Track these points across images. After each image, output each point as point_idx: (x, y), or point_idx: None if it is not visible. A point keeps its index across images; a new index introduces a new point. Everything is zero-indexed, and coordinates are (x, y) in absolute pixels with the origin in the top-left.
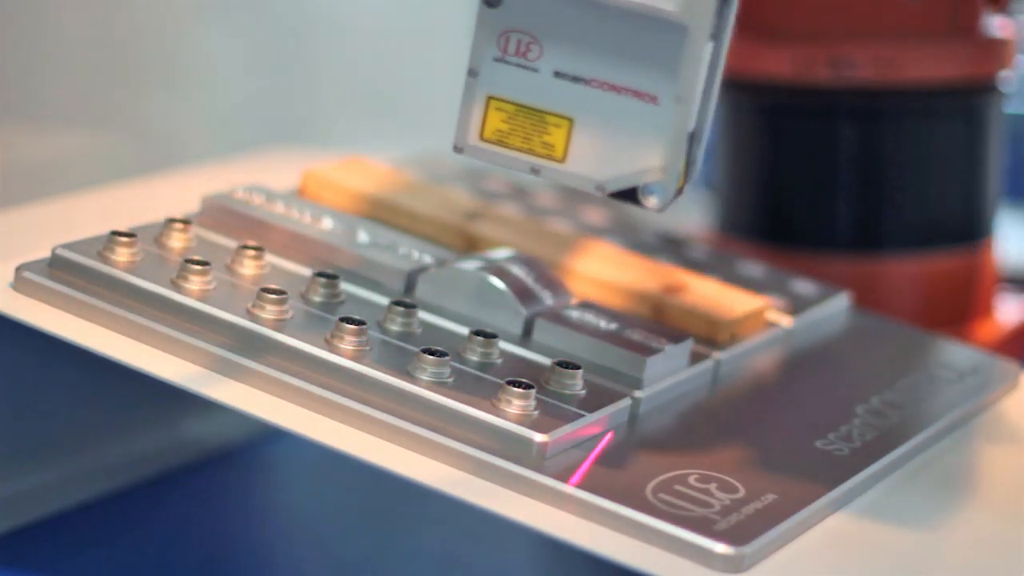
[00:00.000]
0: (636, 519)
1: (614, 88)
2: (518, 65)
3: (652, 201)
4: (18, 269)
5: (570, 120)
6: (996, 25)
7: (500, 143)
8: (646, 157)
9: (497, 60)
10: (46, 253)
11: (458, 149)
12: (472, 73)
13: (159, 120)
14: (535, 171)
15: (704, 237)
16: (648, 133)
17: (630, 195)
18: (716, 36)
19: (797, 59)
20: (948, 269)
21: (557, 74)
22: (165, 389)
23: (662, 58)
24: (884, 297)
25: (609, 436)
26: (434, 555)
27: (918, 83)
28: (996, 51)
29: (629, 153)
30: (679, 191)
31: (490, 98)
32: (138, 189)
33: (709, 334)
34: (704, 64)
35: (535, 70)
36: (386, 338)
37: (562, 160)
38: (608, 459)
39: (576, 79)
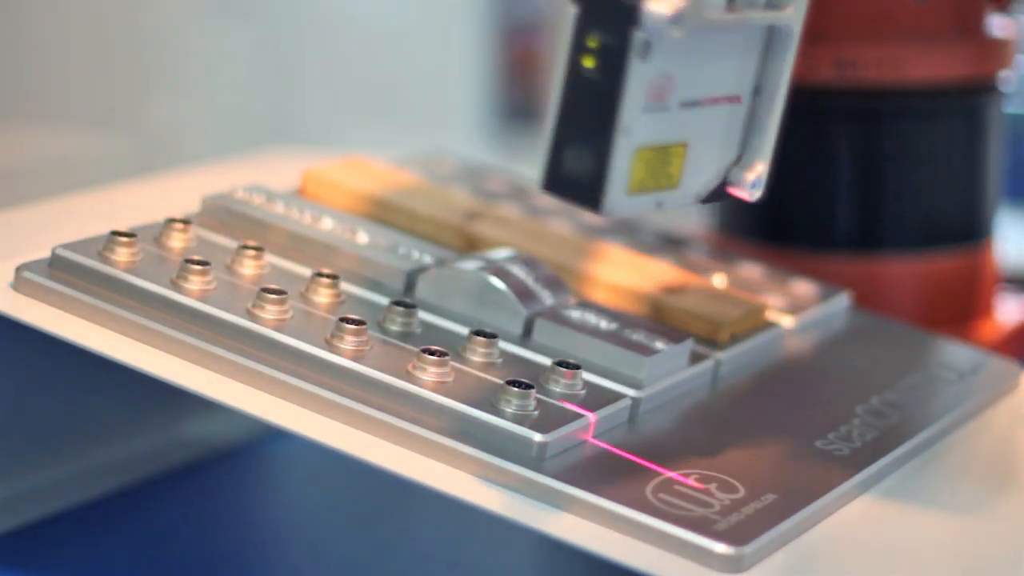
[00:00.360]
0: (636, 519)
1: (715, 100)
2: (657, 109)
3: (756, 193)
4: (18, 269)
5: (685, 144)
6: (997, 25)
7: (641, 191)
8: (729, 154)
9: (644, 111)
10: (46, 253)
11: (608, 212)
12: (627, 132)
13: (159, 120)
14: (659, 205)
15: (704, 237)
16: (733, 132)
17: (717, 194)
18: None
19: (800, 59)
20: (948, 269)
21: (682, 105)
22: (165, 389)
23: (746, 57)
24: (884, 297)
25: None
26: (434, 555)
27: (919, 83)
28: (997, 51)
29: (721, 156)
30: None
31: (639, 150)
32: (138, 189)
33: (709, 334)
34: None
35: (667, 108)
36: (386, 338)
37: (676, 186)
38: (608, 459)
39: (693, 103)
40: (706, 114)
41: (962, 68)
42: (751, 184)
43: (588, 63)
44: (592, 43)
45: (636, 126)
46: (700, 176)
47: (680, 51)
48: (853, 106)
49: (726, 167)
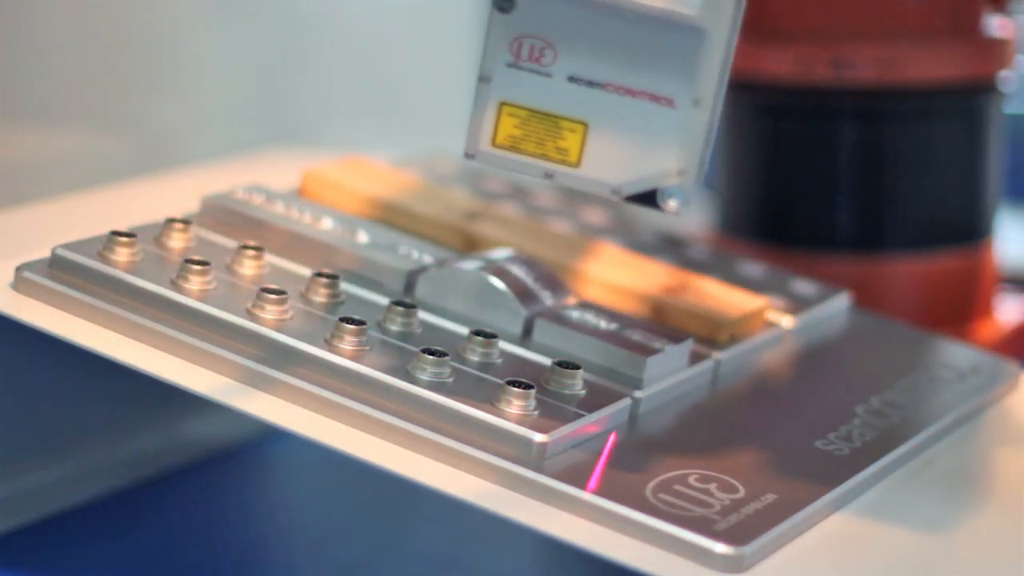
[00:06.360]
0: (636, 519)
1: (630, 92)
2: (531, 71)
3: (672, 205)
4: (18, 269)
5: (585, 124)
6: (996, 25)
7: (513, 149)
8: (663, 160)
9: (510, 66)
10: (46, 253)
11: (469, 155)
12: (484, 79)
13: (159, 120)
14: (548, 176)
15: (704, 237)
16: (665, 136)
17: (648, 199)
18: (729, 38)
19: (799, 59)
20: (948, 269)
21: (571, 79)
22: (165, 389)
23: (679, 61)
24: (884, 297)
25: (612, 437)
26: (434, 555)
27: (919, 83)
28: (996, 51)
29: (645, 156)
30: None
31: (503, 104)
32: (138, 189)
33: (709, 334)
34: (721, 67)
35: (548, 75)
36: (386, 338)
37: (576, 165)
38: (608, 459)
39: (591, 83)
40: (617, 102)
41: (961, 68)
42: (667, 194)
43: None
44: None
45: (496, 77)
46: (617, 169)
47: (560, 21)
48: (852, 106)
49: (661, 172)
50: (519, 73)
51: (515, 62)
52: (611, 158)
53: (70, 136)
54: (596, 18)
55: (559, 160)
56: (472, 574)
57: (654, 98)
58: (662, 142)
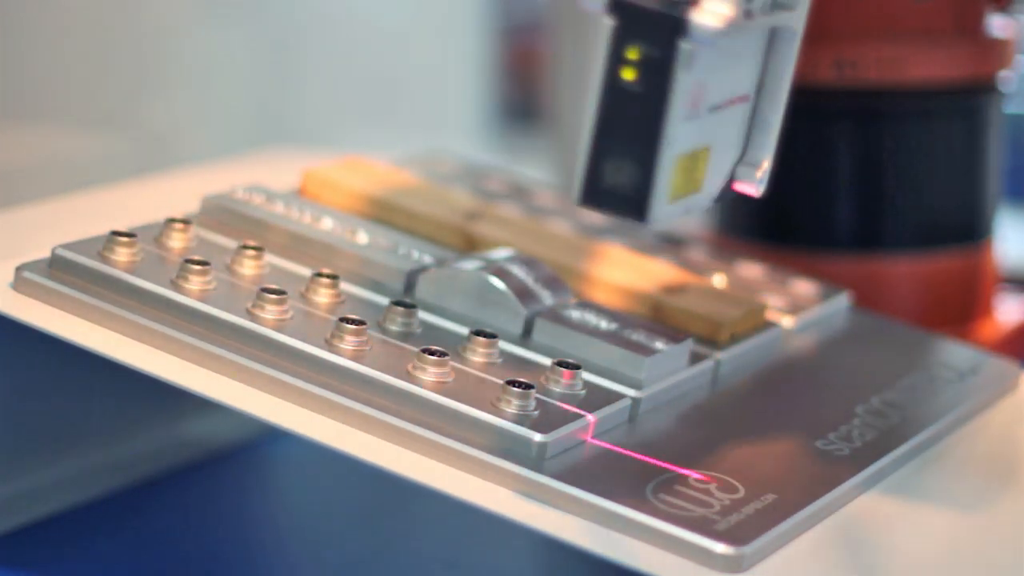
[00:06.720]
0: (636, 519)
1: (731, 102)
2: (693, 117)
3: (754, 189)
4: (18, 269)
5: (708, 148)
6: (997, 25)
7: (677, 198)
8: (739, 151)
9: (685, 120)
10: (46, 253)
11: (654, 221)
12: (672, 142)
13: (159, 120)
14: (688, 211)
15: (704, 237)
16: (741, 132)
17: (726, 192)
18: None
19: (801, 60)
20: (948, 269)
21: (710, 110)
22: (165, 389)
23: (753, 57)
24: (884, 297)
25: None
26: (434, 555)
27: (919, 83)
28: (997, 51)
29: (733, 156)
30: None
31: (678, 159)
32: (138, 189)
33: (709, 334)
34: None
35: (699, 115)
36: (386, 338)
37: (700, 190)
38: (608, 459)
39: (715, 108)
40: (725, 116)
41: (962, 68)
42: (759, 181)
43: (628, 75)
44: (632, 55)
45: (678, 135)
46: (717, 177)
47: (711, 59)
48: (853, 106)
49: (733, 165)
50: (686, 124)
51: (686, 115)
52: (714, 170)
53: (70, 136)
54: (725, 47)
55: (694, 191)
56: (472, 574)
57: (742, 100)
58: (740, 136)
